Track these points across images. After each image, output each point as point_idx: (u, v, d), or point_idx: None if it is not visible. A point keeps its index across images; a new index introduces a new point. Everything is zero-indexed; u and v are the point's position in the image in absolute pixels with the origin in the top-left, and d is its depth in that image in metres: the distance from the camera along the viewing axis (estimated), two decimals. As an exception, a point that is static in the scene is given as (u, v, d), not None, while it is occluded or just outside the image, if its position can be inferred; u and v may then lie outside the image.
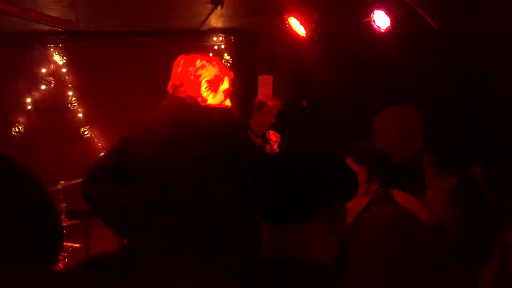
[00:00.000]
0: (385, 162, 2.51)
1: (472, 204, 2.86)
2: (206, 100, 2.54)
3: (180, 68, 2.51)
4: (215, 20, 5.39)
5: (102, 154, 2.54)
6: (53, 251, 1.14)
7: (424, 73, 5.34)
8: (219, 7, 4.49)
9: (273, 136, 4.74)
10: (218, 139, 2.32)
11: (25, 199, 1.08)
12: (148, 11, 4.84)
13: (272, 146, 4.66)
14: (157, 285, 1.05)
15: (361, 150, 2.58)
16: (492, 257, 2.66)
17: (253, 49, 5.90)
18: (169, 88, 2.52)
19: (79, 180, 4.00)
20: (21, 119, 5.31)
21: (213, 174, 2.32)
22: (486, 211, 2.87)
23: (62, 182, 4.38)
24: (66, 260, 4.37)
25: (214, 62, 2.57)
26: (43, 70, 5.38)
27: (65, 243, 4.09)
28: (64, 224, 4.25)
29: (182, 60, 2.54)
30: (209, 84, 2.52)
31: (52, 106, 5.38)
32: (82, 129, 5.47)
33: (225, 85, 2.60)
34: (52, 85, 5.39)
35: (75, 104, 5.45)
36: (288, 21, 4.36)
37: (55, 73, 5.41)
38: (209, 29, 5.73)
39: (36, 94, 5.36)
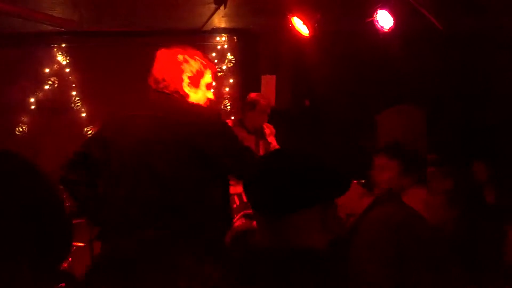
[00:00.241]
0: (417, 159, 2.51)
1: (471, 205, 2.85)
2: (189, 96, 2.50)
3: (161, 63, 2.48)
4: (218, 20, 5.40)
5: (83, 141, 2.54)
6: (63, 250, 1.14)
7: (427, 73, 5.33)
8: (222, 7, 4.50)
9: (267, 129, 4.74)
10: (202, 138, 2.29)
11: (37, 198, 1.09)
12: (151, 12, 4.85)
13: (267, 140, 4.67)
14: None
15: (395, 146, 2.59)
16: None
17: (256, 49, 5.90)
18: (151, 83, 2.47)
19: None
20: (25, 119, 5.34)
21: (191, 174, 2.29)
22: (485, 212, 2.87)
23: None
24: (70, 259, 4.38)
25: (196, 57, 2.53)
26: (47, 70, 5.40)
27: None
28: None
29: (164, 54, 2.50)
30: (191, 80, 2.49)
31: (56, 106, 5.41)
32: (85, 129, 5.48)
33: (207, 79, 2.56)
34: (55, 85, 5.41)
35: (79, 104, 5.47)
36: (291, 21, 4.36)
37: (59, 73, 5.43)
38: (212, 29, 5.74)
39: (40, 94, 5.39)
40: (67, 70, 5.45)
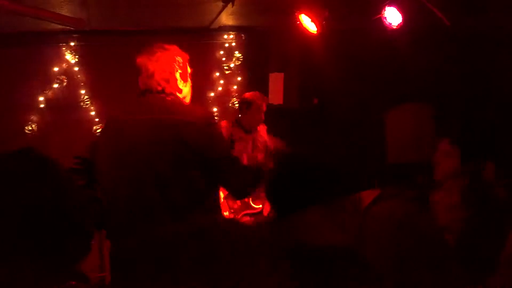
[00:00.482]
0: (480, 146, 2.47)
1: (481, 205, 2.82)
2: (182, 91, 2.55)
3: (160, 64, 2.51)
4: (226, 18, 5.39)
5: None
6: (83, 248, 1.15)
7: (435, 70, 5.31)
8: (230, 5, 4.50)
9: (263, 133, 4.74)
10: (199, 140, 2.35)
11: (59, 196, 1.10)
12: (159, 10, 4.86)
13: (262, 139, 4.68)
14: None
15: (460, 132, 2.56)
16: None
17: (264, 47, 5.89)
18: (154, 84, 2.48)
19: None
20: (34, 117, 5.36)
21: (189, 174, 2.35)
22: (495, 212, 2.84)
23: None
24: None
25: (177, 51, 2.60)
26: (56, 69, 5.42)
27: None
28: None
29: (157, 55, 2.54)
30: (181, 77, 2.55)
31: (65, 104, 5.42)
32: (94, 127, 5.50)
33: (189, 69, 2.63)
34: (64, 84, 5.43)
35: (88, 102, 5.49)
36: (299, 19, 4.36)
37: (68, 72, 5.45)
38: (220, 27, 5.73)
39: (49, 93, 5.41)
40: (76, 68, 5.47)
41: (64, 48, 5.45)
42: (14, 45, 5.27)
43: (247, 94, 4.74)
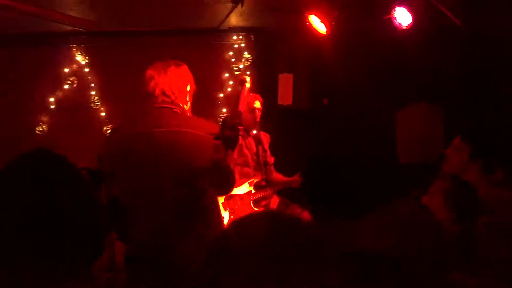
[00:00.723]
0: (490, 145, 2.47)
1: (463, 208, 2.80)
2: (187, 104, 2.72)
3: (171, 77, 2.61)
4: (235, 19, 5.40)
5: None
6: (97, 248, 1.16)
7: (446, 70, 5.28)
8: (239, 6, 4.50)
9: (264, 137, 4.74)
10: (209, 149, 2.53)
11: (77, 199, 1.11)
12: (169, 11, 4.87)
13: (263, 147, 4.68)
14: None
15: (471, 129, 2.58)
16: None
17: (274, 48, 5.89)
18: (160, 96, 2.59)
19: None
20: (44, 118, 5.40)
21: (203, 180, 2.55)
22: (477, 214, 2.81)
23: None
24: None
25: (187, 69, 2.71)
26: (66, 70, 5.45)
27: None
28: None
29: (169, 68, 2.64)
30: (190, 93, 2.71)
31: (75, 105, 5.46)
32: (104, 128, 5.53)
33: (192, 90, 2.76)
34: (74, 85, 5.47)
35: (98, 103, 5.52)
36: (308, 19, 4.35)
37: (78, 73, 5.48)
38: (229, 28, 5.74)
39: (59, 94, 5.44)
40: (86, 69, 5.50)
41: (74, 50, 5.48)
42: (24, 46, 5.31)
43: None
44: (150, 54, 5.49)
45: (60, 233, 1.05)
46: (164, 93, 2.59)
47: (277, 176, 4.67)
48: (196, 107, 3.08)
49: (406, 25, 4.07)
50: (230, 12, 4.95)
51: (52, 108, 5.42)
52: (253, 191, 4.49)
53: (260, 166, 4.60)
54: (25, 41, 5.29)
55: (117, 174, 2.59)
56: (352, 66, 5.25)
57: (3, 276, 1.07)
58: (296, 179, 4.49)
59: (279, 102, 5.67)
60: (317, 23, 4.34)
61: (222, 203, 4.25)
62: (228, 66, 5.90)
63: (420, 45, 4.70)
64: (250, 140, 4.62)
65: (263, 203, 4.54)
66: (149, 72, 2.67)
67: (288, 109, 5.67)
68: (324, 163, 1.39)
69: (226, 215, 4.31)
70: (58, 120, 5.42)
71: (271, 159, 4.70)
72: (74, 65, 5.48)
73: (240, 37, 5.91)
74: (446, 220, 2.71)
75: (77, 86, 5.48)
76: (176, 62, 2.70)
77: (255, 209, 4.49)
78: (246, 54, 5.90)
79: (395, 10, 4.06)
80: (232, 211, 4.43)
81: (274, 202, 4.61)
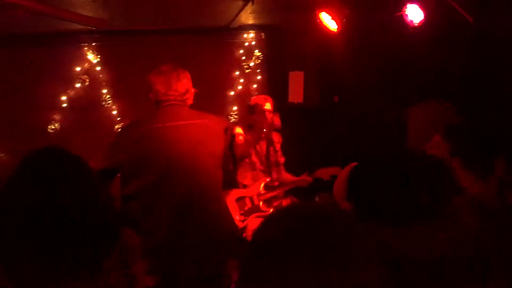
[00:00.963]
0: (470, 141, 2.47)
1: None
2: (191, 103, 2.97)
3: (181, 78, 2.86)
4: (246, 17, 5.40)
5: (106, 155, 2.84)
6: (109, 245, 1.16)
7: (458, 68, 5.24)
8: (249, 4, 4.50)
9: (275, 137, 4.74)
10: (224, 141, 2.86)
11: (89, 196, 1.11)
12: (180, 9, 4.88)
13: (275, 148, 4.67)
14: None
15: (450, 126, 2.63)
16: None
17: (284, 45, 5.88)
18: (181, 94, 2.83)
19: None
20: (57, 117, 5.44)
21: (218, 168, 2.83)
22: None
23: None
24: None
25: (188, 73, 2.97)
26: (78, 69, 5.49)
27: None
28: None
29: (178, 71, 2.90)
30: (193, 93, 2.96)
31: (87, 104, 5.49)
32: (116, 126, 5.56)
33: None
34: (86, 83, 5.50)
35: (110, 101, 5.55)
36: (319, 17, 4.34)
37: (90, 72, 5.51)
38: (240, 25, 5.74)
39: (71, 92, 5.48)
40: (98, 68, 5.53)
41: (86, 48, 5.51)
42: (37, 45, 5.34)
43: (253, 98, 4.79)
44: (162, 52, 5.52)
45: (61, 233, 1.05)
46: (174, 93, 2.81)
47: (287, 176, 4.67)
48: (207, 105, 3.10)
49: (418, 22, 4.04)
50: (241, 10, 4.95)
51: (64, 107, 5.46)
52: (262, 192, 4.49)
53: (271, 167, 4.60)
54: (38, 40, 5.33)
55: (136, 168, 2.68)
56: (363, 63, 5.23)
57: (4, 276, 1.08)
58: (304, 178, 4.49)
59: (290, 100, 5.67)
60: (328, 21, 4.32)
61: (232, 204, 4.26)
62: (238, 64, 5.90)
63: (432, 42, 4.67)
64: (262, 142, 4.62)
65: (275, 203, 4.54)
66: (157, 74, 2.89)
67: (298, 107, 5.66)
68: (370, 164, 1.33)
69: (236, 216, 4.32)
70: (70, 118, 5.46)
71: (281, 159, 4.70)
72: (86, 64, 5.51)
73: (251, 35, 5.91)
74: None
75: (89, 84, 5.51)
76: (179, 66, 2.97)
77: (266, 209, 4.49)
78: (257, 52, 5.90)
79: (406, 7, 4.03)
80: (242, 212, 4.44)
81: (286, 202, 4.61)
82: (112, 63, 5.53)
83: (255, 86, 5.92)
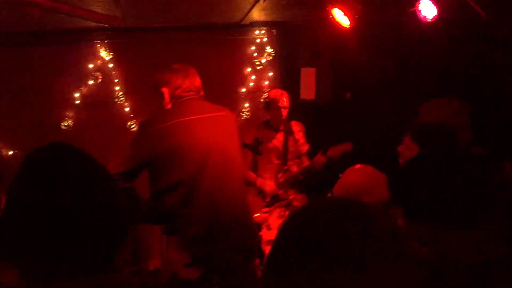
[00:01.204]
0: (438, 143, 2.48)
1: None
2: None
3: (196, 74, 2.96)
4: (257, 13, 5.39)
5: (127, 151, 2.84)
6: (119, 240, 1.16)
7: (471, 64, 5.19)
8: (261, 0, 4.49)
9: (296, 127, 4.75)
10: (239, 135, 3.01)
11: (97, 192, 1.11)
12: (192, 6, 4.88)
13: (295, 137, 4.68)
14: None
15: (420, 131, 2.77)
16: None
17: (296, 42, 5.87)
18: (197, 90, 2.92)
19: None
20: (70, 113, 5.47)
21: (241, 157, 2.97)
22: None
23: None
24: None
25: None
26: (91, 66, 5.52)
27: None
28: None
29: (191, 67, 3.00)
30: None
31: (100, 100, 5.52)
32: (129, 123, 5.59)
33: None
34: (99, 80, 5.53)
35: (122, 98, 5.58)
36: (331, 13, 4.32)
37: (102, 69, 5.54)
38: (251, 22, 5.73)
39: (84, 89, 5.51)
40: (110, 65, 5.55)
41: (98, 45, 5.54)
42: (50, 43, 5.38)
43: (269, 93, 4.82)
44: (174, 49, 5.54)
45: (61, 233, 1.04)
46: (193, 88, 2.88)
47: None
48: (219, 102, 3.11)
49: (431, 17, 4.01)
50: (252, 6, 4.94)
51: (77, 104, 5.49)
52: (280, 180, 4.54)
53: (290, 160, 4.64)
54: (50, 37, 5.37)
55: (168, 163, 2.70)
56: (375, 60, 5.20)
57: (4, 276, 1.08)
58: (318, 159, 4.46)
59: (302, 97, 5.65)
60: (340, 17, 4.30)
61: (253, 199, 4.29)
62: (250, 61, 5.90)
63: (445, 38, 4.63)
64: (279, 135, 4.65)
65: (292, 193, 4.58)
66: (173, 72, 2.93)
67: (310, 103, 5.65)
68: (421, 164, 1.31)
69: (260, 209, 4.42)
70: (83, 115, 5.49)
71: (304, 147, 4.72)
72: (99, 61, 5.53)
73: (262, 31, 5.90)
74: None
75: (101, 81, 5.54)
76: (189, 65, 3.04)
77: (285, 197, 4.54)
78: (269, 49, 5.89)
79: (419, 3, 4.00)
80: (264, 203, 4.52)
81: (300, 200, 4.61)
82: (124, 60, 5.55)
83: (266, 82, 5.91)
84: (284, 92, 4.68)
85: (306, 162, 4.65)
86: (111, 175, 1.21)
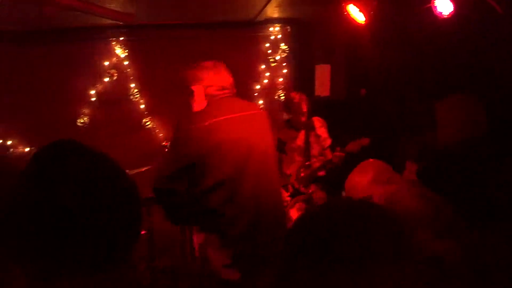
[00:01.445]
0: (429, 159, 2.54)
1: None
2: None
3: (224, 71, 2.88)
4: (272, 10, 5.38)
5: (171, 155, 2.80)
6: (133, 237, 1.16)
7: (488, 60, 5.13)
8: (275, -3, 4.48)
9: (317, 122, 4.76)
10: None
11: (109, 188, 1.11)
12: (206, 3, 4.89)
13: (317, 133, 4.70)
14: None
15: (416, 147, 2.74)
16: None
17: (310, 38, 5.85)
18: (231, 87, 2.86)
19: (142, 169, 4.17)
20: (85, 110, 5.52)
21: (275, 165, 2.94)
22: None
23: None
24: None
25: None
26: (106, 63, 5.55)
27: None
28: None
29: (220, 64, 2.92)
30: None
31: (115, 98, 5.56)
32: (143, 120, 5.62)
33: None
34: (114, 78, 5.56)
35: (137, 95, 5.61)
36: (346, 9, 4.30)
37: (117, 66, 5.58)
38: (266, 19, 5.73)
39: (100, 87, 5.55)
40: (126, 62, 5.58)
41: (114, 43, 5.57)
42: (65, 41, 5.43)
43: (287, 96, 4.86)
44: (189, 46, 5.56)
45: (61, 233, 1.04)
46: (228, 86, 2.84)
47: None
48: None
49: (447, 13, 3.97)
50: (267, 3, 4.94)
51: (92, 101, 5.53)
52: (301, 176, 4.59)
53: (314, 156, 4.67)
54: (66, 35, 5.41)
55: (212, 162, 2.64)
56: (391, 56, 5.17)
57: (4, 276, 1.09)
58: (336, 154, 4.50)
59: (316, 94, 5.64)
60: (355, 13, 4.27)
61: None
62: (264, 58, 5.90)
63: (461, 34, 4.58)
64: (301, 134, 4.68)
65: (312, 187, 4.61)
66: (205, 69, 2.85)
67: (325, 100, 5.63)
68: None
69: (284, 200, 4.48)
70: (98, 112, 5.53)
71: (326, 142, 4.74)
72: (114, 58, 5.57)
73: (277, 28, 5.89)
74: None
75: (116, 78, 5.57)
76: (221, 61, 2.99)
77: (305, 191, 4.59)
78: (283, 46, 5.88)
79: (435, -2, 3.97)
80: (288, 194, 4.58)
81: (320, 196, 4.64)
82: (139, 57, 5.58)
83: (281, 79, 5.90)
84: (302, 96, 4.71)
85: (328, 156, 4.68)
86: (121, 173, 1.19)
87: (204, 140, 2.63)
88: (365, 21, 4.26)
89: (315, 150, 4.72)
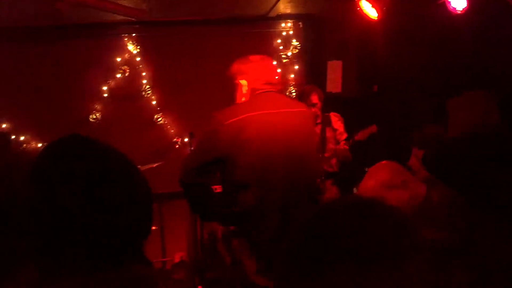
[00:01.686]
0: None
1: None
2: None
3: (270, 66, 2.87)
4: (284, 6, 5.36)
5: (198, 148, 2.78)
6: (144, 231, 1.16)
7: (501, 57, 5.07)
8: (287, -7, 4.46)
9: (334, 117, 4.75)
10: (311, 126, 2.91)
11: (119, 182, 1.11)
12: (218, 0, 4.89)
13: (333, 126, 4.71)
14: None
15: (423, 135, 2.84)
16: None
17: (322, 34, 5.82)
18: (275, 83, 2.80)
19: (154, 165, 4.18)
20: (98, 106, 5.54)
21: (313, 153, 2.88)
22: None
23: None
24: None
25: None
26: (118, 59, 5.57)
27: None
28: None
29: (267, 59, 2.92)
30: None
31: (127, 94, 5.57)
32: (155, 116, 5.63)
33: None
34: (126, 74, 5.58)
35: (149, 92, 5.62)
36: (359, 4, 4.27)
37: (130, 62, 5.59)
38: (278, 15, 5.71)
39: (112, 83, 5.57)
40: (138, 59, 5.59)
41: (126, 39, 5.58)
42: (78, 36, 5.45)
43: (303, 88, 4.85)
44: (200, 42, 5.56)
45: (61, 233, 1.04)
46: (272, 81, 2.77)
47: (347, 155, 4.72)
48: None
49: (461, 9, 3.93)
50: (279, -1, 4.93)
51: (105, 97, 5.55)
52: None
53: (324, 149, 4.67)
54: (78, 31, 5.43)
55: (243, 156, 2.57)
56: (403, 52, 5.13)
57: (4, 276, 1.09)
58: (342, 147, 4.60)
59: (328, 90, 5.61)
60: (368, 8, 4.25)
61: None
62: (276, 54, 5.88)
63: (475, 30, 4.53)
64: (317, 128, 4.68)
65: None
66: (250, 62, 2.82)
67: (337, 96, 5.61)
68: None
69: None
70: (110, 108, 5.55)
71: (342, 136, 4.74)
72: (126, 55, 5.58)
73: (289, 24, 5.87)
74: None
75: (129, 75, 5.59)
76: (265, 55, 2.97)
77: None
78: (295, 42, 5.86)
79: (449, -6, 3.93)
80: None
81: (333, 192, 4.62)
82: (151, 53, 5.59)
83: (292, 76, 5.89)
84: (314, 88, 4.69)
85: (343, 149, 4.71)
86: (133, 169, 1.19)
87: (235, 135, 2.55)
88: (377, 16, 4.23)
89: (332, 145, 4.71)
